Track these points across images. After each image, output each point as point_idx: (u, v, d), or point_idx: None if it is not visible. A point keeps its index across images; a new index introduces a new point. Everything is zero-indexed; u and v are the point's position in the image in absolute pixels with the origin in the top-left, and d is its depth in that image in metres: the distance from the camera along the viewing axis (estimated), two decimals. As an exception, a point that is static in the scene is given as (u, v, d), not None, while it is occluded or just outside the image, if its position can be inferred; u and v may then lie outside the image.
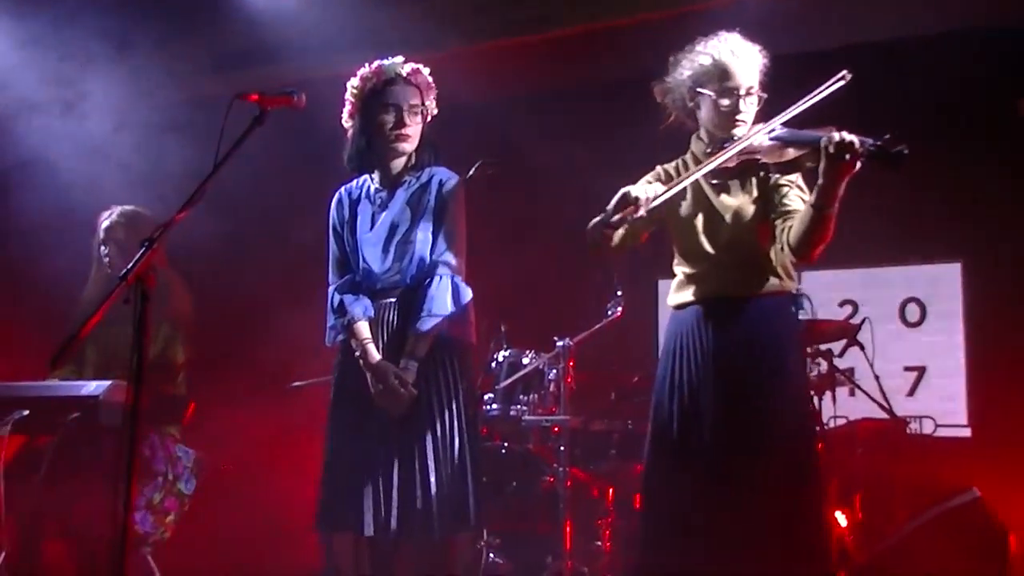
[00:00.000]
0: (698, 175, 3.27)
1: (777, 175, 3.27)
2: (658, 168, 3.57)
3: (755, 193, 3.35)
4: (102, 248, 4.96)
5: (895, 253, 6.29)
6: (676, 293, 3.50)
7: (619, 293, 5.18)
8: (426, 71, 3.83)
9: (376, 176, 3.85)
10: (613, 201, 3.23)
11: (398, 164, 3.81)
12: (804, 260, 3.24)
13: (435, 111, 3.86)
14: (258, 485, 6.25)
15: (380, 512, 3.52)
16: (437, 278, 3.68)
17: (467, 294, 3.77)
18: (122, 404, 2.87)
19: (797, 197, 3.27)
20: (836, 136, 2.94)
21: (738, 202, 3.36)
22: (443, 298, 3.66)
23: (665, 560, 3.29)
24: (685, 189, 3.40)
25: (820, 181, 3.01)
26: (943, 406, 6.07)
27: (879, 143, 2.92)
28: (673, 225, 3.50)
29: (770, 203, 3.31)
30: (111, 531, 2.86)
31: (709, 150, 3.37)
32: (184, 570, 5.20)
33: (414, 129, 3.78)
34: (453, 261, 3.73)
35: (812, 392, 4.99)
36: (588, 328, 5.17)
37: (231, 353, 6.82)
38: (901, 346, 6.20)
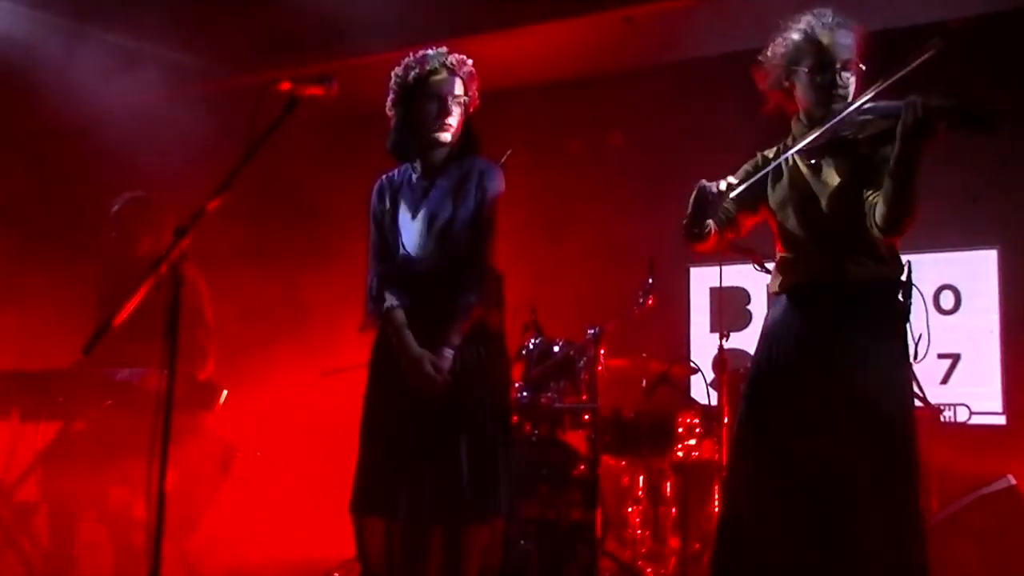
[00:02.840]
0: (782, 159, 3.25)
1: (872, 151, 3.15)
2: (757, 155, 3.50)
3: (852, 173, 3.23)
4: (113, 235, 5.01)
5: (929, 239, 6.23)
6: (774, 278, 3.43)
7: (650, 281, 5.17)
8: (469, 61, 3.82)
9: (418, 165, 3.85)
10: (690, 198, 3.22)
11: (440, 153, 3.81)
12: (890, 235, 3.15)
13: (477, 101, 3.86)
14: (292, 471, 6.30)
15: (411, 497, 3.54)
16: (473, 267, 3.68)
17: (500, 281, 3.78)
18: (155, 390, 2.89)
19: None
20: (914, 99, 2.87)
21: (835, 183, 3.26)
22: (478, 287, 3.66)
23: (749, 554, 3.20)
24: (782, 172, 3.35)
25: (895, 146, 2.95)
26: (977, 393, 6.02)
27: (963, 104, 2.84)
28: (771, 209, 3.42)
29: (870, 182, 3.17)
30: (146, 516, 2.88)
31: (807, 129, 3.27)
32: (218, 555, 5.25)
33: (456, 119, 3.77)
34: (489, 250, 3.73)
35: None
36: (619, 315, 5.16)
37: (267, 340, 6.86)
38: (935, 333, 6.10)
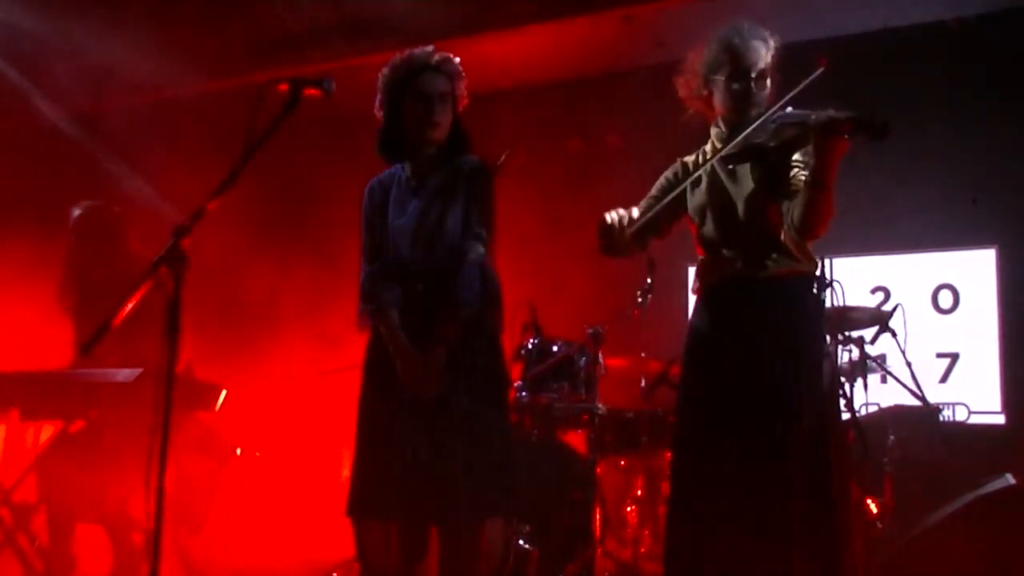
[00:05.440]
0: (687, 182, 3.46)
1: (784, 157, 3.31)
2: (677, 161, 3.68)
3: (766, 178, 3.37)
4: (72, 246, 4.99)
5: (928, 239, 6.24)
6: (696, 279, 3.59)
7: (649, 280, 5.16)
8: (456, 60, 3.82)
9: (408, 165, 3.85)
10: (597, 230, 3.38)
11: (429, 152, 3.81)
12: (809, 237, 3.31)
13: (466, 100, 3.86)
14: (290, 472, 6.30)
15: (410, 498, 3.54)
16: (467, 264, 3.68)
17: (496, 280, 3.77)
18: (154, 391, 2.89)
19: (804, 178, 3.30)
20: (822, 114, 3.04)
21: (750, 187, 3.41)
22: (472, 284, 3.66)
23: (692, 549, 3.31)
24: (701, 178, 3.50)
25: (813, 159, 3.12)
26: (977, 393, 6.02)
27: (860, 116, 2.99)
28: (689, 214, 3.59)
29: (780, 186, 3.34)
30: (144, 516, 2.88)
31: (725, 135, 3.45)
32: (218, 555, 5.25)
33: (444, 118, 3.77)
34: (483, 248, 3.73)
35: (842, 378, 4.93)
36: (618, 315, 5.16)
37: (263, 341, 6.87)
38: (934, 333, 6.16)
